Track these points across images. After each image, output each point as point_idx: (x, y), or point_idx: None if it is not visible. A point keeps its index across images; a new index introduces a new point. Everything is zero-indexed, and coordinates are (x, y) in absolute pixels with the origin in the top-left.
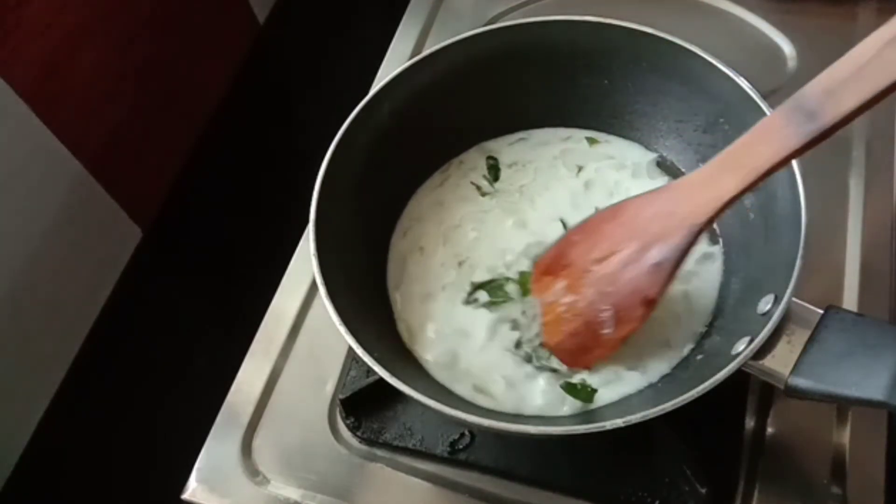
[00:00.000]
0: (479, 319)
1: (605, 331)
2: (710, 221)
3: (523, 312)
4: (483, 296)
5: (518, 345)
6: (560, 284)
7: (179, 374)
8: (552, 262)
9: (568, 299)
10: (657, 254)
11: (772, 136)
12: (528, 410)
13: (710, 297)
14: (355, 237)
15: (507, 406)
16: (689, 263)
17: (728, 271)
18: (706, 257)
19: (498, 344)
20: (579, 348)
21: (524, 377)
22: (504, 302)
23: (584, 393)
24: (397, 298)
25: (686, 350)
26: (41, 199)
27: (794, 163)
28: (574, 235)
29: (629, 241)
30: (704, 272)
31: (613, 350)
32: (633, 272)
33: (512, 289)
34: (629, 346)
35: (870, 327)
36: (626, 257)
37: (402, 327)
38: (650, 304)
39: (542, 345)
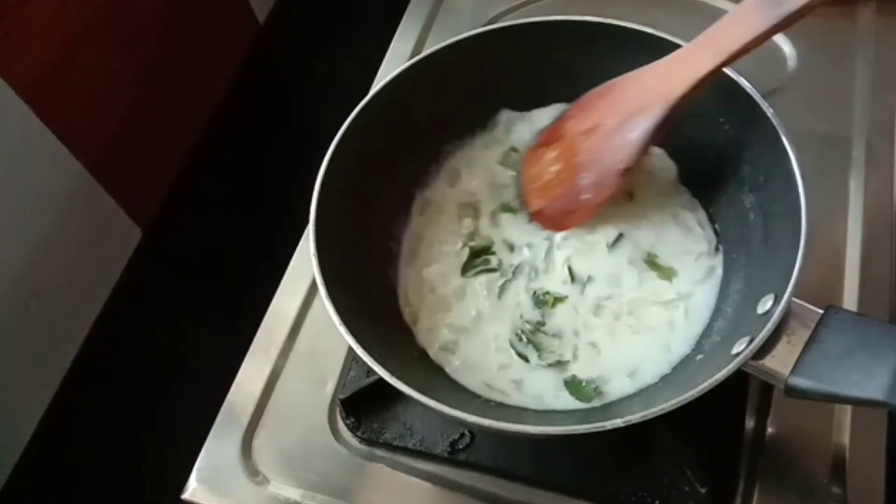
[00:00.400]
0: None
1: (585, 196)
2: (684, 97)
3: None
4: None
5: (520, 336)
6: (551, 154)
7: (179, 373)
8: (548, 136)
9: (556, 167)
10: (634, 125)
11: (743, 20)
12: (528, 401)
13: (710, 301)
14: (355, 237)
15: (514, 398)
16: (695, 273)
17: (728, 271)
18: (710, 271)
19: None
20: (560, 213)
21: (528, 370)
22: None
23: (586, 392)
24: (402, 294)
25: (685, 351)
26: (41, 199)
27: (795, 163)
28: (570, 111)
29: (613, 115)
30: (708, 280)
31: (590, 215)
32: (613, 142)
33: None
34: (630, 348)
35: (870, 327)
36: (609, 128)
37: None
38: (624, 171)
39: (525, 208)
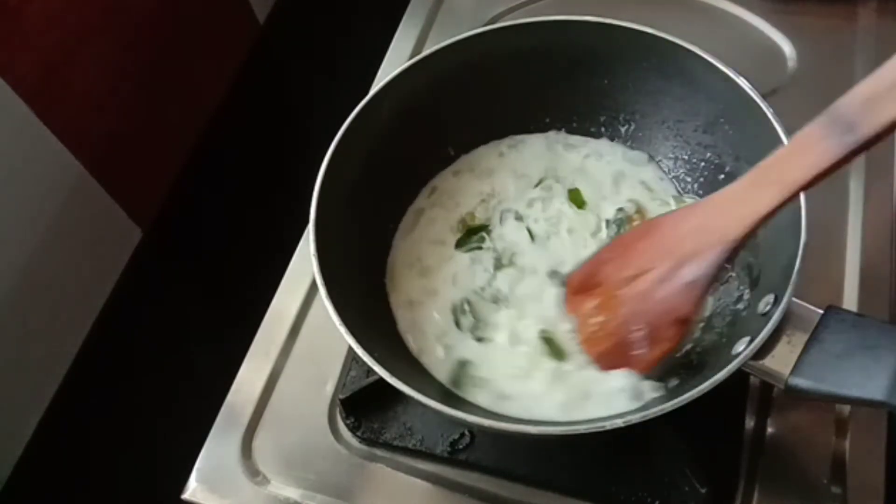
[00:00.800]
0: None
1: (639, 351)
2: (746, 238)
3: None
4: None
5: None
6: (592, 303)
7: (179, 374)
8: (584, 280)
9: (599, 318)
10: (690, 271)
11: (809, 148)
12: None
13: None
14: (355, 237)
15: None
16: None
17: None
18: None
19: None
20: (615, 364)
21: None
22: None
23: (559, 351)
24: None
25: (684, 351)
26: (41, 199)
27: None
28: (606, 253)
29: (662, 259)
30: None
31: (648, 369)
32: (666, 291)
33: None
34: None
35: (870, 327)
36: (659, 275)
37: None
38: (684, 323)
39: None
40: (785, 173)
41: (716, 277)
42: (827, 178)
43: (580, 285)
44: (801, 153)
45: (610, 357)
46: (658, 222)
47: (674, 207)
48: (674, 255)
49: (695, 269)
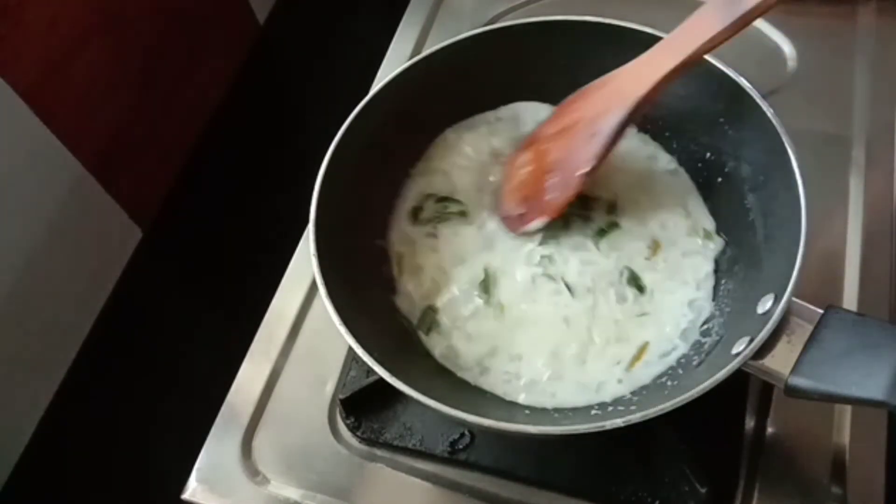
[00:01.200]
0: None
1: (550, 195)
2: (647, 97)
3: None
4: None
5: None
6: (525, 157)
7: (179, 374)
8: (527, 142)
9: (527, 169)
10: (598, 126)
11: (702, 21)
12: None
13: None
14: (355, 237)
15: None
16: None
17: (728, 271)
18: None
19: None
20: (528, 211)
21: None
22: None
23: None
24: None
25: (684, 351)
26: (41, 199)
27: (795, 163)
28: (548, 120)
29: (581, 117)
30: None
31: (555, 214)
32: (577, 142)
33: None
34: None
35: (870, 327)
36: (576, 130)
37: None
38: (589, 172)
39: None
40: (682, 42)
41: (619, 131)
42: (719, 45)
43: (524, 144)
44: (696, 25)
45: (526, 203)
46: (586, 87)
47: None
48: (592, 112)
49: (601, 123)
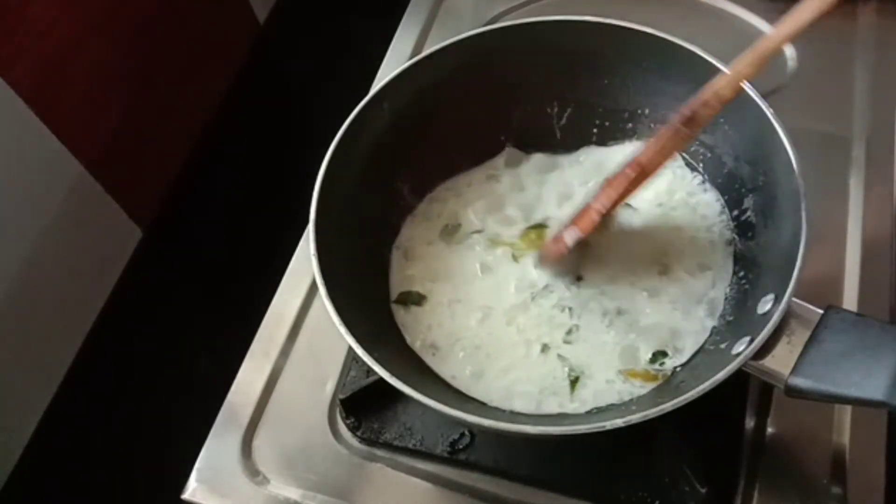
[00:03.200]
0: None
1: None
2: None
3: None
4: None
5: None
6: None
7: (179, 374)
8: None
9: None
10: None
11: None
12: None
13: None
14: (355, 237)
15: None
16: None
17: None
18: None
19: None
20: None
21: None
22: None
23: None
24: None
25: (687, 353)
26: (41, 199)
27: (795, 163)
28: None
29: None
30: None
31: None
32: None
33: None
34: None
35: (870, 327)
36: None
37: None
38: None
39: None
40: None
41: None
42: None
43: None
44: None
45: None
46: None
47: None
48: None
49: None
